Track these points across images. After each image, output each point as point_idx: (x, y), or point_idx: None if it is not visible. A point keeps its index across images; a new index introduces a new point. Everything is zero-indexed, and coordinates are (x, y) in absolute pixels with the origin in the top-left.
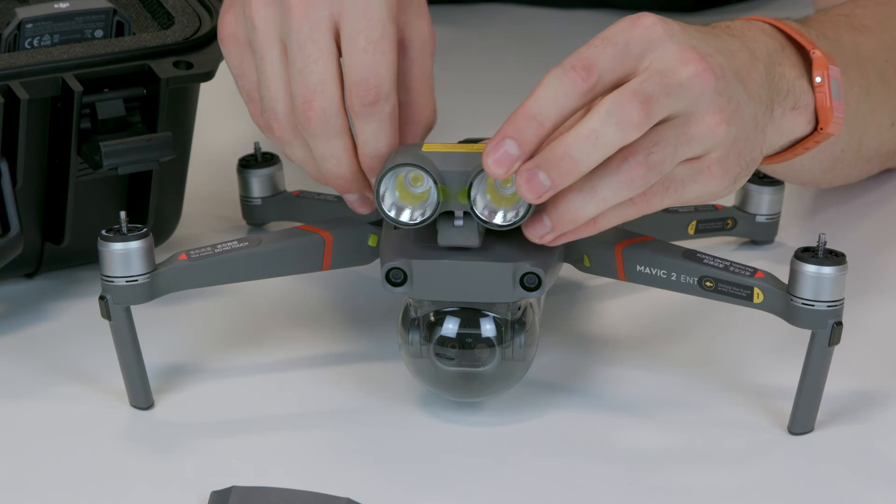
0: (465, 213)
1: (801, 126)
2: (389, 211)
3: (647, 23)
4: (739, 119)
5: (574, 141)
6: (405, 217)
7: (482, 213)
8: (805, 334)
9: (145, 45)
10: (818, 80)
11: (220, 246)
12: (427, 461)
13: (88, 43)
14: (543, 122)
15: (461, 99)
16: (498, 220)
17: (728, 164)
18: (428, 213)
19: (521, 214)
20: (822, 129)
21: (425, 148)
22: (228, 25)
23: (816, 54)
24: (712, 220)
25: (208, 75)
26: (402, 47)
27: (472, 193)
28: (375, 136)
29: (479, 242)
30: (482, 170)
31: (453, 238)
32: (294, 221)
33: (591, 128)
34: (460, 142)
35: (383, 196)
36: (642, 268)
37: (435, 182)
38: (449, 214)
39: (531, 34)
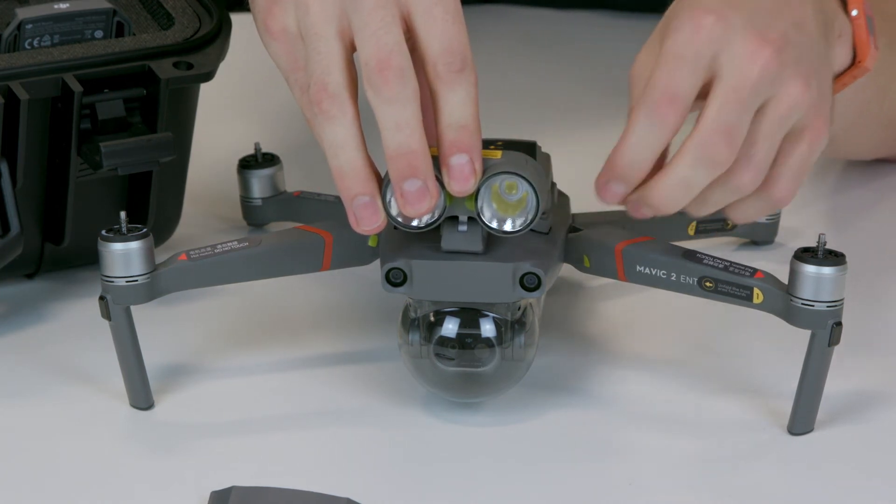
0: (469, 218)
1: (844, 56)
2: (398, 216)
3: (707, 24)
4: (815, 70)
5: (668, 189)
6: (413, 221)
7: (490, 222)
8: (805, 334)
9: (145, 45)
10: (854, 13)
11: (220, 246)
12: (427, 461)
13: (88, 43)
14: (643, 165)
15: None
16: (507, 227)
17: (824, 111)
18: (436, 216)
19: (528, 220)
20: (860, 61)
21: (432, 152)
22: (277, 19)
23: None
24: (712, 221)
25: (208, 76)
26: None
27: (479, 203)
28: (463, 105)
29: (483, 248)
30: (489, 177)
31: (457, 243)
32: (294, 222)
33: (683, 175)
34: None
35: (391, 202)
36: (642, 268)
37: (442, 185)
38: (452, 219)
39: (530, 35)
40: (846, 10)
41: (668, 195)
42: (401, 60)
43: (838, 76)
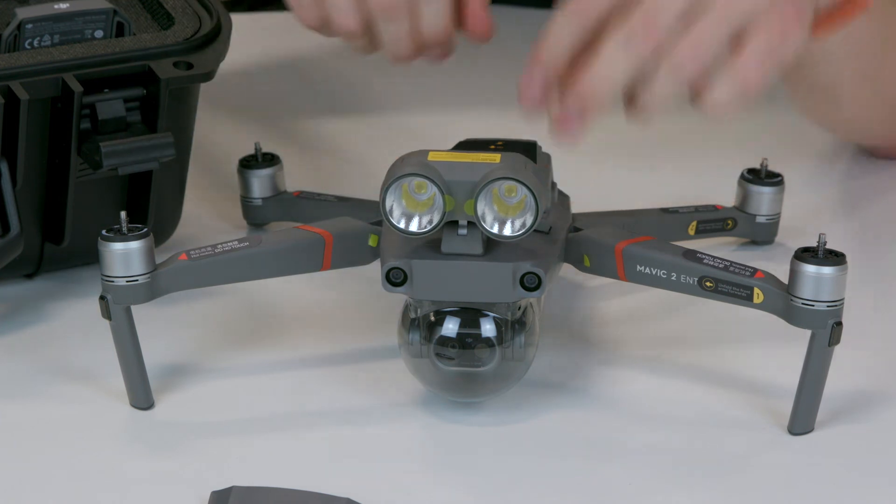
0: (468, 222)
1: None
2: (399, 222)
3: None
4: None
5: (596, 68)
6: (414, 226)
7: (491, 227)
8: (805, 334)
9: (145, 45)
10: None
11: (220, 246)
12: (427, 461)
13: (88, 43)
14: (563, 52)
15: (459, 100)
16: (507, 231)
17: (798, 4)
18: (436, 220)
19: (528, 224)
20: None
21: (431, 156)
22: None
23: None
24: (712, 221)
25: (208, 76)
26: None
27: (480, 208)
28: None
29: (483, 250)
30: (488, 182)
31: (457, 246)
32: (294, 222)
33: (607, 54)
34: (460, 143)
35: (391, 208)
36: (642, 268)
37: (441, 191)
38: (452, 223)
39: (530, 35)
40: None
41: (594, 74)
42: None
43: (836, 11)
